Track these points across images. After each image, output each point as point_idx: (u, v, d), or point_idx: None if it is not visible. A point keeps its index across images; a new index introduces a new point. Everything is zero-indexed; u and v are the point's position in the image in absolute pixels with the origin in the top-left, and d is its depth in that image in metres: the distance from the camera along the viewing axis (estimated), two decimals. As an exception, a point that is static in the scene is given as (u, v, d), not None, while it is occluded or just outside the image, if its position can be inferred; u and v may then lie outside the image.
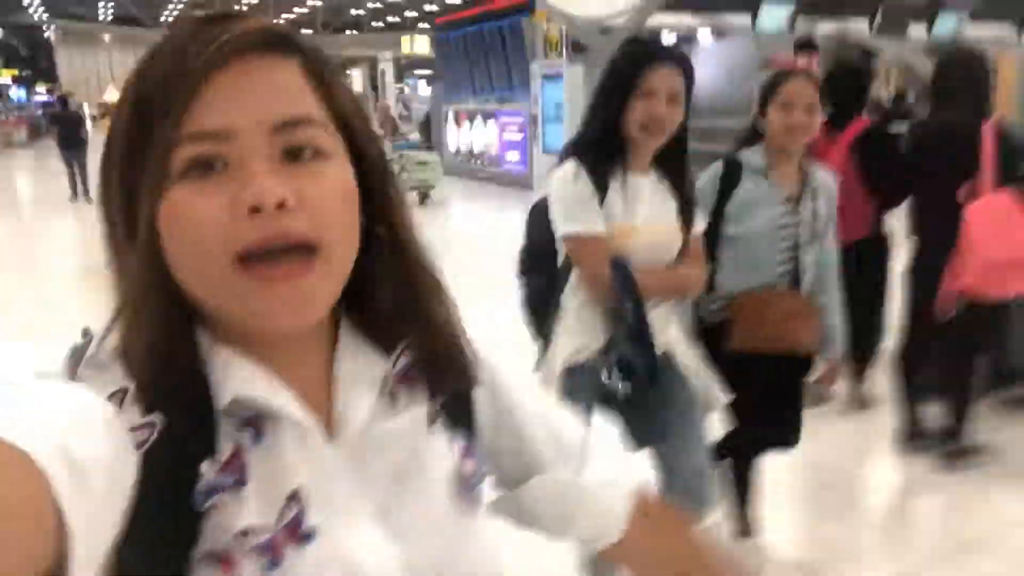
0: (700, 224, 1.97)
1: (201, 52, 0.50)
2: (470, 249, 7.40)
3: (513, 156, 13.10)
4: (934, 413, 3.28)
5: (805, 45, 5.33)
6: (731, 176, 2.21)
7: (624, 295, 1.79)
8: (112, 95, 30.41)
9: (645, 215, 1.85)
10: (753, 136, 2.27)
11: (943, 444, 3.15)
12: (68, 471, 0.39)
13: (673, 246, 1.90)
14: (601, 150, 1.84)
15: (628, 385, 1.79)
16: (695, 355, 2.00)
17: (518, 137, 12.93)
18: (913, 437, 3.27)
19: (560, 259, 1.93)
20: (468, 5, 15.22)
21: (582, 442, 0.73)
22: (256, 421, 0.55)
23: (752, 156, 2.24)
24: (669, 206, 1.89)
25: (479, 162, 13.97)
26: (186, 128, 0.50)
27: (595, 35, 12.62)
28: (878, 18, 14.29)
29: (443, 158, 12.51)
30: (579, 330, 1.89)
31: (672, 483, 1.86)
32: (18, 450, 0.37)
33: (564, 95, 11.60)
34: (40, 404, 0.42)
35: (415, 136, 15.41)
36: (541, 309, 2.04)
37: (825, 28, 14.97)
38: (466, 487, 0.62)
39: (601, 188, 1.82)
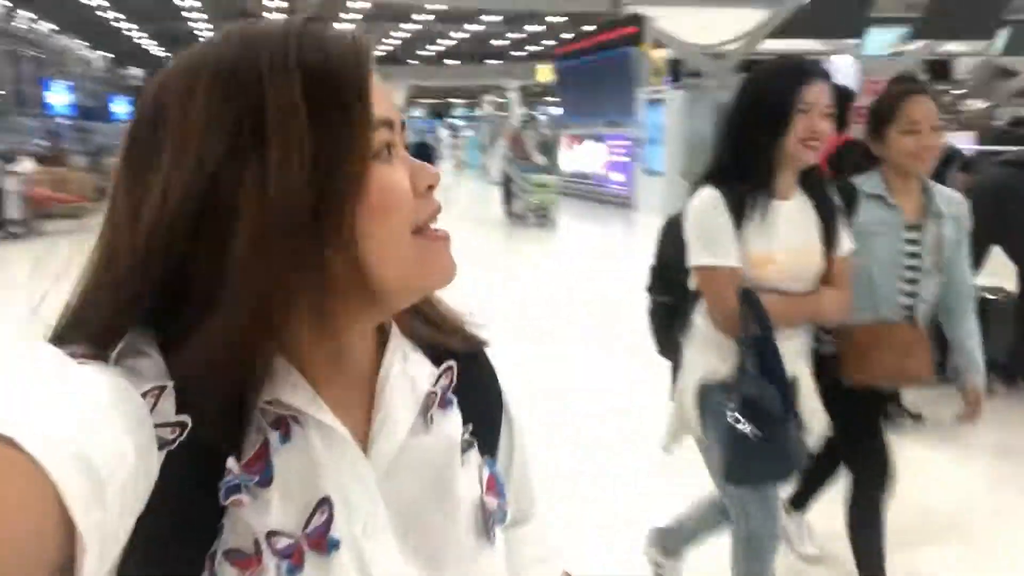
0: (846, 245, 1.89)
1: (368, 52, 0.55)
2: (581, 267, 8.09)
3: (618, 177, 13.80)
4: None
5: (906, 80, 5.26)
6: (847, 203, 2.04)
7: (754, 327, 1.75)
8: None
9: (786, 241, 1.81)
10: (866, 160, 2.15)
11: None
12: (84, 479, 0.39)
13: (815, 270, 1.85)
14: (747, 174, 1.80)
15: (755, 428, 1.74)
16: (811, 379, 1.94)
17: (624, 159, 13.63)
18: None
19: (692, 280, 1.91)
20: (585, 36, 16.11)
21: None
22: (285, 421, 0.55)
23: (869, 181, 2.11)
24: (812, 229, 1.85)
25: (588, 183, 14.77)
26: (375, 114, 0.54)
27: (708, 61, 13.16)
28: (1004, 38, 13.87)
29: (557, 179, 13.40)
30: (711, 350, 1.86)
31: (771, 511, 1.90)
32: (31, 460, 0.37)
33: (665, 119, 12.21)
34: (68, 398, 0.42)
35: (541, 159, 16.39)
36: (666, 326, 2.05)
37: (941, 49, 14.68)
38: (487, 518, 0.63)
39: (740, 216, 1.78)
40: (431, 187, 0.58)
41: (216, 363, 0.51)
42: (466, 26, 29.56)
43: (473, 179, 20.43)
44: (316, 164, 0.51)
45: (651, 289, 2.17)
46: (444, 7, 21.07)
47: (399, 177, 0.55)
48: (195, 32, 28.60)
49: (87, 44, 30.59)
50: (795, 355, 1.85)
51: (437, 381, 0.63)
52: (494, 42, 33.78)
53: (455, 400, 0.64)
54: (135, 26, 26.92)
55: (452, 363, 0.64)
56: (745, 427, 1.74)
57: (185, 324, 0.51)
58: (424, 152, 14.97)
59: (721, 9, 13.22)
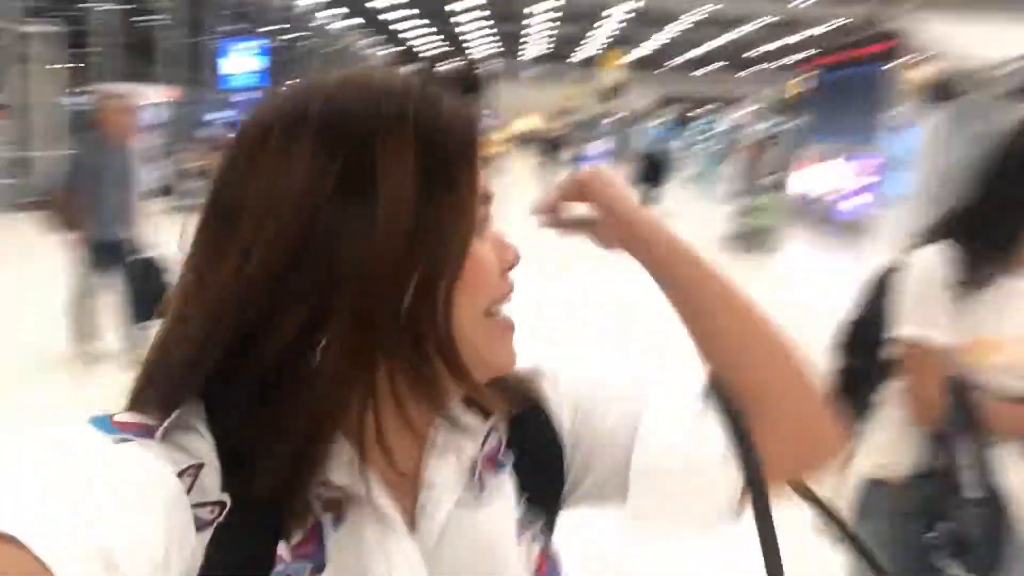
0: None
1: (478, 124, 0.54)
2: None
3: (859, 201, 12.87)
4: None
5: None
6: None
7: (961, 428, 1.45)
8: (526, 123, 34.84)
9: (1020, 327, 1.49)
10: None
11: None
12: (99, 572, 0.38)
13: None
14: (986, 235, 1.49)
15: (962, 566, 1.42)
16: None
17: (866, 182, 12.69)
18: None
19: (888, 348, 1.61)
20: (837, 49, 15.19)
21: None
22: (338, 504, 0.53)
23: None
24: None
25: (824, 206, 13.92)
26: (481, 188, 0.54)
27: (975, 81, 11.82)
28: None
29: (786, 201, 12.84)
30: (891, 441, 1.58)
31: None
32: (36, 560, 0.36)
33: (917, 143, 11.21)
34: (93, 488, 0.41)
35: (771, 178, 15.75)
36: (847, 394, 1.69)
37: None
38: None
39: (972, 286, 1.47)
40: (511, 266, 0.57)
41: (289, 440, 0.49)
42: (718, 35, 28.98)
43: (705, 193, 20.03)
44: (419, 231, 0.49)
45: (842, 348, 1.76)
46: (710, 7, 20.77)
47: (487, 253, 0.55)
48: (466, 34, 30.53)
49: (384, 41, 31.60)
50: (1008, 464, 1.50)
51: (484, 442, 0.61)
52: (746, 54, 32.76)
53: (508, 465, 0.62)
54: (426, 21, 28.43)
55: (501, 422, 0.62)
56: (954, 570, 1.42)
57: (243, 399, 0.50)
58: (654, 167, 14.90)
59: (1000, 23, 11.82)
